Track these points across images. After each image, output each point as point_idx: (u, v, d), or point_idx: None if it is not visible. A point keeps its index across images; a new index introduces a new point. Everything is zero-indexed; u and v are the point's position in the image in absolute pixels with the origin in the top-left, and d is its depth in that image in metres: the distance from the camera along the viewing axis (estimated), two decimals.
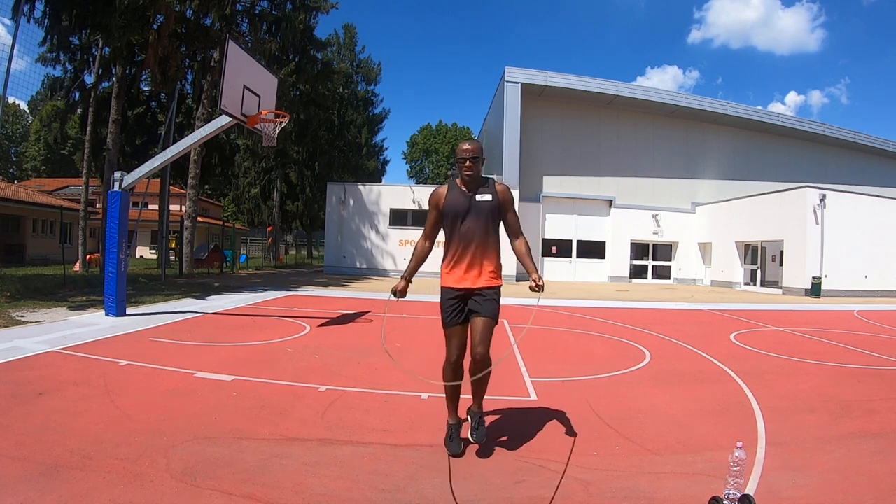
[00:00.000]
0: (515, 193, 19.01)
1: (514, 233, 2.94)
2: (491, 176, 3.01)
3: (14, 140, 50.56)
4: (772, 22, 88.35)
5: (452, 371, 2.81)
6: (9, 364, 4.50)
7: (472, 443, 2.89)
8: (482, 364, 2.79)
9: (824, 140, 24.62)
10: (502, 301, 2.95)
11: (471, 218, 2.82)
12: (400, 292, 2.87)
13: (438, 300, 2.91)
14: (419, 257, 2.97)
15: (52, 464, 2.52)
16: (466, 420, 3.03)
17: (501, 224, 2.94)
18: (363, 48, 38.71)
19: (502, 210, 2.88)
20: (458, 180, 2.92)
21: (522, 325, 7.91)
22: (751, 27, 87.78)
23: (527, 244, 2.95)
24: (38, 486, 2.29)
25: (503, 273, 2.97)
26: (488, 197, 2.84)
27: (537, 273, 2.80)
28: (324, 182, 24.80)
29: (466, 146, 2.84)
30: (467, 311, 2.82)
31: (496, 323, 2.83)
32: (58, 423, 3.10)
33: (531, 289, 2.76)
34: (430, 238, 2.97)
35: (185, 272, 16.86)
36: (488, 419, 3.31)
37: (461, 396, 2.99)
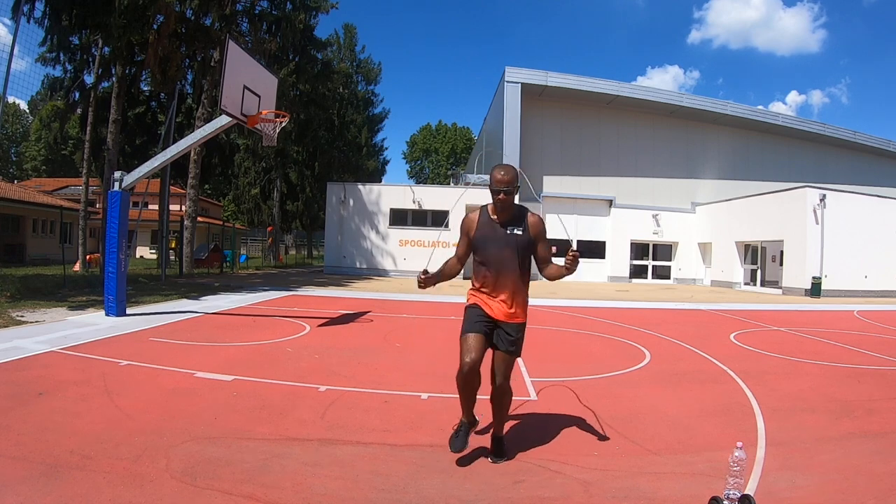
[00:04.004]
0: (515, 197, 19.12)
1: (545, 263, 2.87)
2: (524, 206, 2.90)
3: (14, 140, 50.56)
4: (772, 22, 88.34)
5: (464, 381, 2.70)
6: (9, 364, 4.50)
7: (491, 462, 2.80)
8: (503, 393, 2.78)
9: (824, 140, 24.62)
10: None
11: (502, 252, 2.76)
12: (425, 281, 2.79)
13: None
14: (447, 274, 2.91)
15: (52, 464, 2.52)
16: (477, 421, 2.94)
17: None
18: (363, 48, 38.86)
19: (534, 244, 2.81)
20: (489, 208, 2.85)
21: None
22: (751, 27, 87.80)
23: (557, 267, 2.83)
24: (38, 486, 2.29)
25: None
26: (519, 231, 2.77)
27: (565, 263, 2.67)
28: (324, 182, 24.79)
29: (501, 176, 2.70)
30: (491, 332, 2.77)
31: (517, 357, 2.81)
32: (58, 423, 3.09)
33: (571, 266, 2.63)
34: (461, 261, 2.94)
35: (185, 272, 16.85)
36: (487, 420, 3.30)
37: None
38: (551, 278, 2.86)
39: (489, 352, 2.80)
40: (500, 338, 2.77)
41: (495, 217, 2.81)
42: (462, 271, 2.99)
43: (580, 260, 2.65)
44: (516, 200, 2.87)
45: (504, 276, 2.76)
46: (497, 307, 2.77)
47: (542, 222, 2.86)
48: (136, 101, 19.23)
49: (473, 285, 2.89)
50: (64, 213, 18.45)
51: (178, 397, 3.74)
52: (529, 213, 2.84)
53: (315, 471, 2.61)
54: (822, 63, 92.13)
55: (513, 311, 2.77)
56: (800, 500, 2.44)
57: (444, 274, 2.91)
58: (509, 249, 2.76)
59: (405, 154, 60.78)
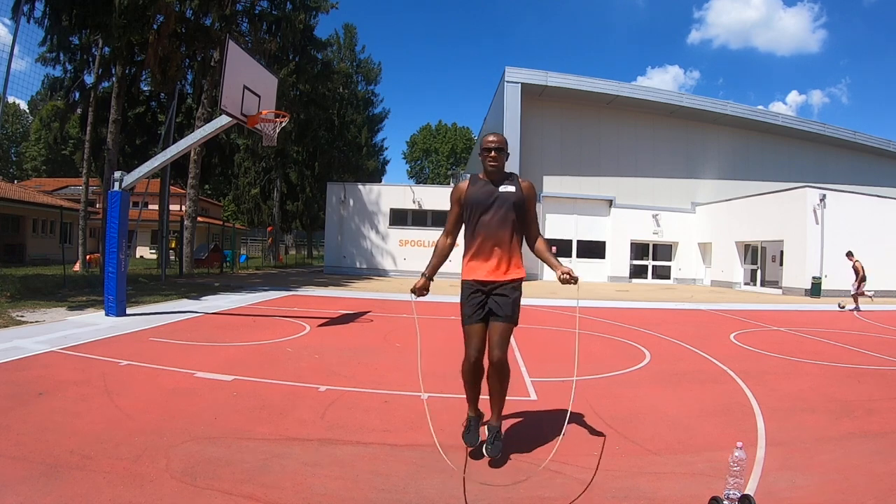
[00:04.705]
0: None
1: (533, 233, 2.89)
2: (514, 172, 2.95)
3: (14, 140, 50.55)
4: (772, 22, 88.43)
5: (471, 372, 2.75)
6: (9, 364, 4.50)
7: (485, 456, 2.79)
8: (500, 368, 2.71)
9: (824, 140, 24.61)
10: (526, 302, 2.91)
11: (494, 209, 2.77)
12: (420, 289, 2.80)
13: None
14: (441, 254, 2.92)
15: (52, 464, 2.52)
16: (483, 414, 2.97)
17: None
18: (363, 48, 38.93)
19: (525, 204, 2.82)
20: (480, 174, 2.89)
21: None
22: (751, 27, 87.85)
23: (546, 243, 2.90)
24: (38, 486, 2.29)
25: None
26: (512, 188, 2.80)
27: (562, 266, 2.71)
28: (324, 182, 24.81)
29: (492, 137, 2.82)
30: (488, 309, 2.75)
31: (515, 325, 2.78)
32: (58, 423, 3.09)
33: (564, 281, 2.67)
34: (451, 234, 2.94)
35: (185, 272, 16.86)
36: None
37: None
38: (540, 254, 2.88)
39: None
40: (494, 303, 2.74)
41: (487, 180, 2.85)
42: (452, 252, 2.96)
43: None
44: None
45: (497, 231, 2.76)
46: (493, 268, 2.76)
47: (533, 187, 2.91)
48: (136, 101, 19.23)
49: (466, 253, 2.86)
50: (64, 213, 18.47)
51: (178, 397, 3.74)
52: (521, 178, 2.89)
53: (315, 471, 2.60)
54: (822, 63, 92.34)
55: (507, 268, 2.77)
56: (800, 500, 2.44)
57: (440, 257, 2.91)
58: (501, 205, 2.77)
59: (405, 154, 60.82)
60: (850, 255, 12.99)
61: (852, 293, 12.46)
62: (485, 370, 2.76)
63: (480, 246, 2.79)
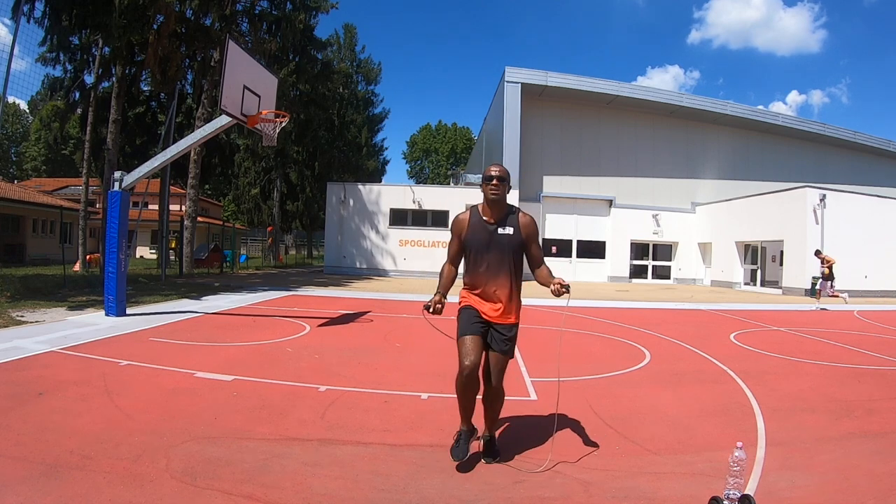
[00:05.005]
0: (515, 194, 19.15)
1: (537, 264, 2.87)
2: (516, 206, 2.90)
3: (14, 140, 50.56)
4: (772, 22, 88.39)
5: (464, 385, 2.68)
6: (9, 364, 4.50)
7: (484, 463, 2.81)
8: (497, 393, 2.78)
9: (824, 140, 24.61)
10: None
11: (492, 253, 2.76)
12: (435, 304, 2.70)
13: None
14: (448, 279, 2.90)
15: (52, 464, 2.52)
16: (476, 429, 2.93)
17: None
18: (363, 48, 38.99)
19: (525, 244, 2.81)
20: (480, 207, 2.86)
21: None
22: (751, 27, 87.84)
23: (548, 270, 2.85)
24: (38, 486, 2.29)
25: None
26: (510, 231, 2.77)
27: (554, 280, 2.70)
28: (324, 182, 24.80)
29: (495, 167, 2.81)
30: (486, 335, 2.76)
31: (511, 357, 2.81)
32: (58, 423, 3.10)
33: (558, 293, 2.64)
34: (454, 262, 2.94)
35: (185, 272, 16.85)
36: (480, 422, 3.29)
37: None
38: (541, 282, 2.84)
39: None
40: (493, 338, 2.77)
41: (486, 217, 2.82)
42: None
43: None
44: (516, 202, 2.87)
45: (496, 276, 2.76)
46: (490, 308, 2.77)
47: (534, 223, 2.87)
48: (136, 101, 19.23)
49: (465, 285, 2.88)
50: (64, 213, 18.45)
51: (178, 397, 3.74)
52: (521, 213, 2.85)
53: (315, 471, 2.61)
54: (823, 63, 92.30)
55: (505, 312, 2.77)
56: (800, 500, 2.44)
57: (448, 282, 2.89)
58: (500, 250, 2.76)
59: (405, 154, 60.82)
60: (818, 253, 13.05)
61: (828, 292, 12.30)
62: (479, 384, 2.73)
63: (477, 283, 2.80)
